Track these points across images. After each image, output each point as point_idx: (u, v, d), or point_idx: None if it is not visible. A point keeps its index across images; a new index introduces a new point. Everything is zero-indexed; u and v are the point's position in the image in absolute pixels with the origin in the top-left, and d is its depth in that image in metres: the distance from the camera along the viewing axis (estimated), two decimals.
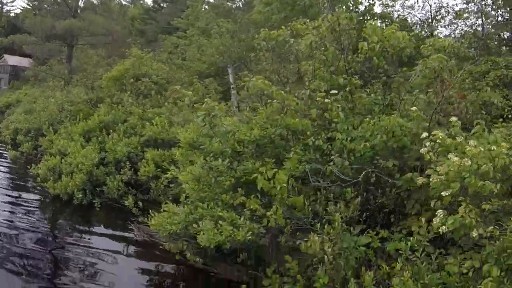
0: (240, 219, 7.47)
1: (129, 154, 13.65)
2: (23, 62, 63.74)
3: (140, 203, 11.83)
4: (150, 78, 19.41)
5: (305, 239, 7.35)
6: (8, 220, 11.39)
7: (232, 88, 18.91)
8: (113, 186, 12.77)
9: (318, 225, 7.31)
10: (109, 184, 12.84)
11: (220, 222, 7.44)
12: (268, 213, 7.35)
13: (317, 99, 8.82)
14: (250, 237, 7.21)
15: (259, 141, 9.00)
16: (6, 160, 18.78)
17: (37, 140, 18.31)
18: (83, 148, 14.22)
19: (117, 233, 11.18)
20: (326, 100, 8.56)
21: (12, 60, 70.92)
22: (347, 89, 9.52)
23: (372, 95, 9.89)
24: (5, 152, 19.95)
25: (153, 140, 14.05)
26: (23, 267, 9.05)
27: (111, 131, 15.23)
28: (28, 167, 14.65)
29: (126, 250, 10.24)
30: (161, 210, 11.56)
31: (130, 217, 11.69)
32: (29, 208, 12.53)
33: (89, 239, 10.74)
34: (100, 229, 11.50)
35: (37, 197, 13.74)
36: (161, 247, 9.90)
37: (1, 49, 61.87)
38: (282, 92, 8.68)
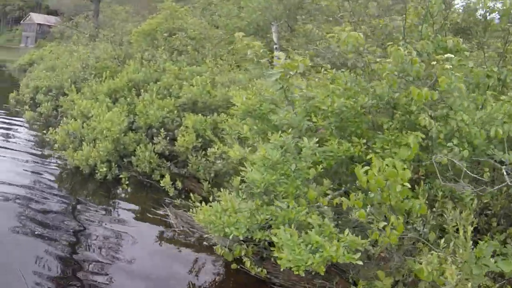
0: (338, 230, 5.10)
1: (163, 119, 11.36)
2: (50, 20, 62.26)
3: (179, 183, 9.51)
4: (186, 32, 16.95)
5: (420, 259, 5.03)
6: (18, 197, 9.30)
7: (276, 48, 16.60)
8: (144, 158, 10.50)
9: (441, 240, 4.97)
10: (139, 154, 10.56)
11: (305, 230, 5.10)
12: (380, 224, 4.98)
13: (432, 63, 6.27)
14: (358, 261, 4.81)
15: (345, 113, 6.62)
16: (22, 122, 16.60)
17: (58, 99, 16.09)
18: (109, 111, 11.94)
19: (149, 218, 8.89)
20: (447, 66, 5.99)
21: (39, 18, 69.61)
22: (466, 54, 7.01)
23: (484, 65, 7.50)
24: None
25: (191, 103, 11.73)
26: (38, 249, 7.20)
27: (142, 91, 12.93)
28: (44, 131, 12.48)
29: (160, 242, 8.01)
30: (203, 191, 9.44)
31: (165, 198, 9.45)
32: (43, 183, 10.27)
33: (114, 224, 8.52)
34: (128, 212, 9.17)
35: (53, 168, 11.45)
36: (205, 243, 7.69)
37: (28, 7, 60.34)
38: (401, 48, 6.10)
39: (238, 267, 6.54)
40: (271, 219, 5.52)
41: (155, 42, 17.38)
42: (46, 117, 16.03)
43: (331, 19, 15.74)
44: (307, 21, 18.31)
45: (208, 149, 10.04)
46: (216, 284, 6.92)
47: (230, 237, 5.63)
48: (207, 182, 9.65)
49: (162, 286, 6.77)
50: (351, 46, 6.52)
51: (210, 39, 17.80)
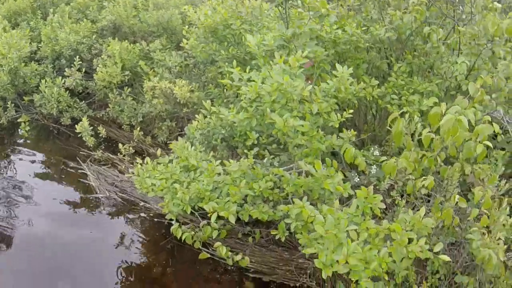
0: None
1: (77, 46, 8.78)
2: None
3: (102, 130, 7.07)
4: None
5: None
6: None
7: None
8: (51, 95, 7.98)
9: None
10: (44, 91, 8.01)
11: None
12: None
13: None
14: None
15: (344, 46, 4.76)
16: None
17: None
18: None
19: (57, 176, 6.58)
20: None
21: None
22: None
23: None
24: None
25: (113, 28, 9.19)
26: None
27: (51, 12, 10.13)
28: None
29: (73, 209, 5.78)
30: (128, 139, 7.30)
31: (79, 149, 7.08)
32: None
33: (8, 184, 6.20)
34: (28, 167, 6.74)
35: None
36: (144, 215, 5.55)
37: None
38: None
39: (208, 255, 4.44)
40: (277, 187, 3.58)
41: None
42: None
43: None
44: None
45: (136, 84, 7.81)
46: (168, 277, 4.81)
47: (213, 218, 3.57)
48: (133, 127, 7.51)
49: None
50: None
51: None
